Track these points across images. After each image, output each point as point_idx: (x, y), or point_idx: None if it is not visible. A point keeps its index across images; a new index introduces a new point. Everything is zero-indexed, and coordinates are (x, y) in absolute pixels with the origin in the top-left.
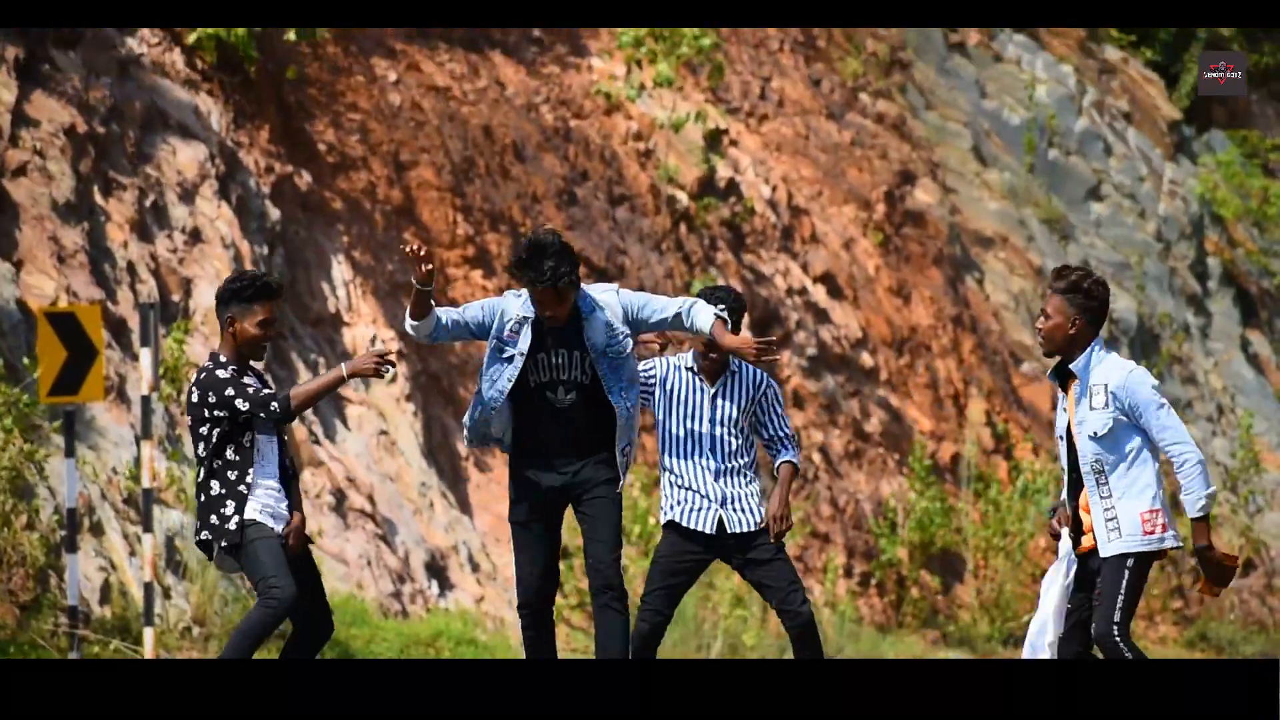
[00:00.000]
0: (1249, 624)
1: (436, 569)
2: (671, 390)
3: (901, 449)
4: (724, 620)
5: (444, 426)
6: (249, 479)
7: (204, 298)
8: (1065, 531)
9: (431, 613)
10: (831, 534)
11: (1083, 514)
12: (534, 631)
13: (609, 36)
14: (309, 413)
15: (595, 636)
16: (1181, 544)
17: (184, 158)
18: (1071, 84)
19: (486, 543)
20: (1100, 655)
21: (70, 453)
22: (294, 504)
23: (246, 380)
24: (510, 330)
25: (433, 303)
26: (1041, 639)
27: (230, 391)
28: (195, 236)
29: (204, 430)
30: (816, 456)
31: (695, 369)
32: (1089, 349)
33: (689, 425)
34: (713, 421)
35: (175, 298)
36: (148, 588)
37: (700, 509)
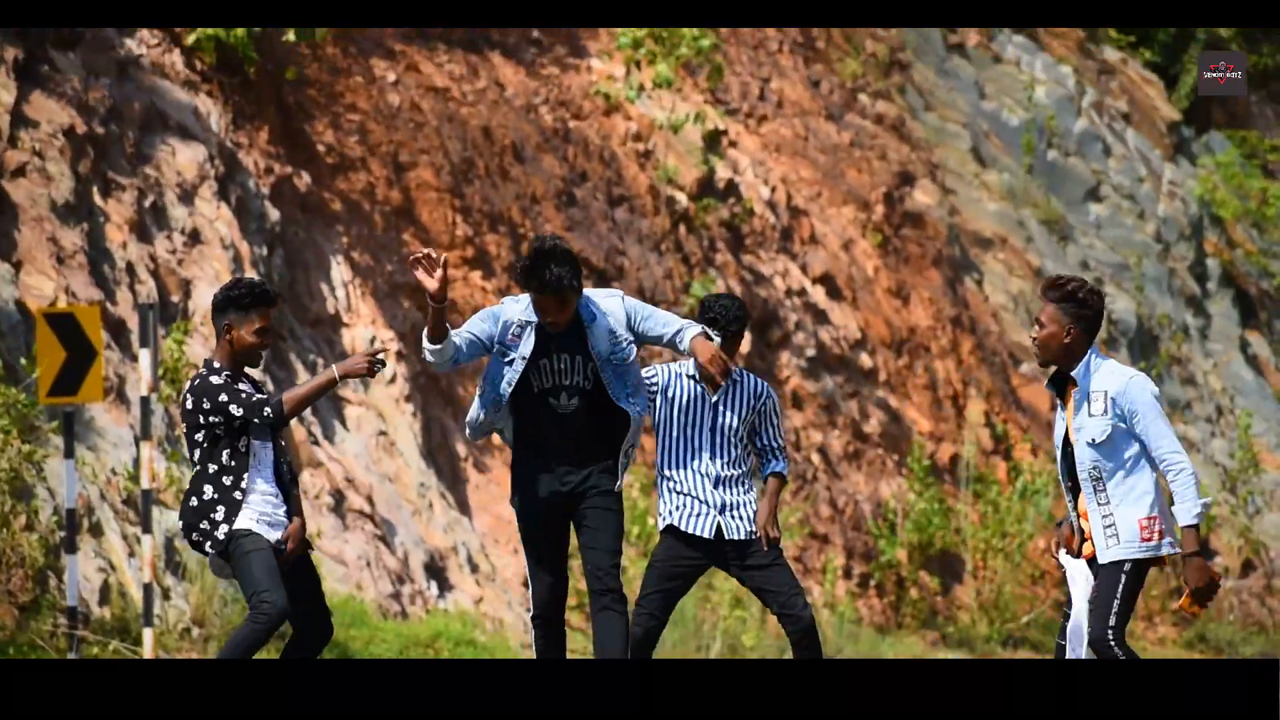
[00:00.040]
0: (1248, 625)
1: (436, 570)
2: (673, 398)
3: (900, 450)
4: (723, 621)
5: (443, 427)
6: (244, 485)
7: (203, 298)
8: (1063, 554)
9: (431, 614)
10: (831, 535)
11: (1082, 521)
12: (544, 638)
13: (608, 37)
14: (308, 413)
15: (594, 637)
16: (1179, 550)
17: (183, 158)
18: (1070, 85)
19: (485, 544)
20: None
21: (69, 453)
22: (292, 509)
23: (240, 386)
24: (512, 334)
25: (448, 324)
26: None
27: (224, 398)
28: (194, 237)
29: (199, 437)
30: (815, 457)
31: (697, 377)
32: (1086, 357)
33: (689, 433)
34: (713, 430)
35: (174, 298)
36: (147, 589)
37: (699, 514)
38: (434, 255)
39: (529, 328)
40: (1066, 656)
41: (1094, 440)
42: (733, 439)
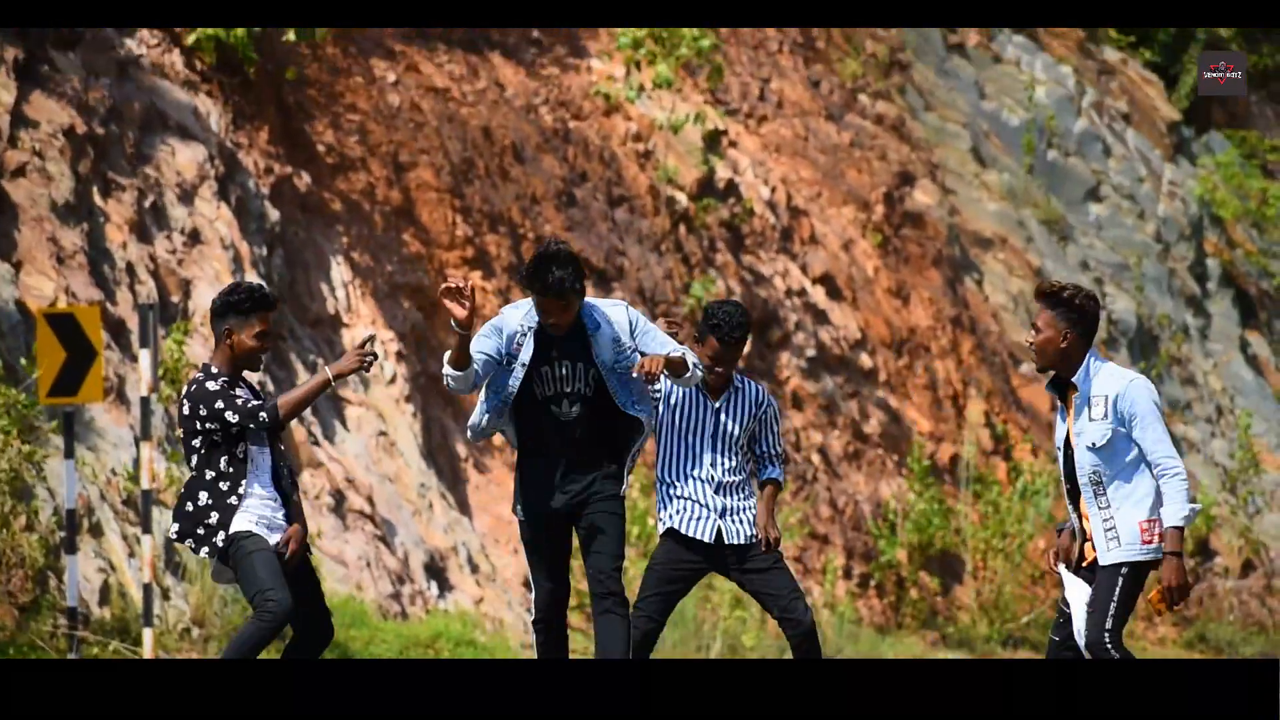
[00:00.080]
0: (1248, 625)
1: (436, 570)
2: (676, 405)
3: (900, 450)
4: (723, 621)
5: (443, 428)
6: (241, 490)
7: (203, 299)
8: (1062, 568)
9: (431, 614)
10: (830, 535)
11: (1085, 523)
12: (546, 643)
13: (608, 38)
14: (308, 414)
15: (596, 640)
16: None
17: (183, 159)
18: (1070, 85)
19: (486, 544)
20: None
21: (69, 454)
22: (291, 513)
23: (236, 392)
24: (516, 343)
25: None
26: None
27: (220, 404)
28: (194, 237)
29: (196, 443)
30: (815, 458)
31: (700, 387)
32: (1085, 361)
33: (690, 440)
34: (714, 437)
35: (174, 299)
36: (147, 589)
37: (699, 518)
38: (463, 284)
39: (529, 334)
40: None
41: (1094, 444)
42: (733, 446)
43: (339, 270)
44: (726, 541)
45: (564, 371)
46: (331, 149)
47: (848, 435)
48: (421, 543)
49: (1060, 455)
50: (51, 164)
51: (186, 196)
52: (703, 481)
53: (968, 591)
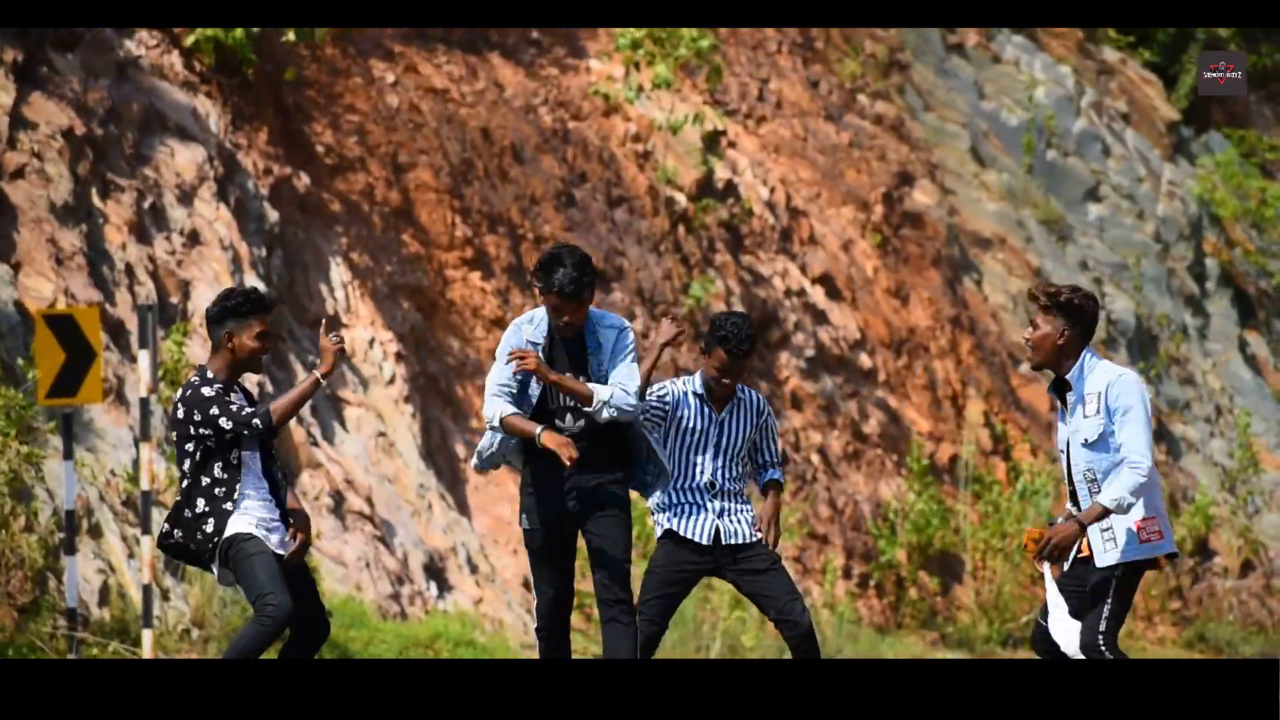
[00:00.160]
0: (1248, 625)
1: (435, 571)
2: (681, 417)
3: (900, 450)
4: (723, 622)
5: (442, 428)
6: (235, 496)
7: (202, 300)
8: (1046, 566)
9: (430, 614)
10: (830, 535)
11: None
12: (550, 651)
13: (607, 38)
14: (307, 415)
15: (604, 648)
16: (1178, 551)
17: (182, 160)
18: (1070, 85)
19: (485, 544)
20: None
21: (68, 455)
22: (286, 515)
23: (231, 398)
24: (513, 355)
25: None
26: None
27: (214, 411)
28: (194, 238)
29: (189, 447)
30: (815, 458)
31: (704, 395)
32: (1080, 359)
33: (692, 452)
34: (717, 448)
35: (174, 300)
36: (146, 590)
37: (697, 519)
38: (569, 452)
39: (536, 349)
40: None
41: (1087, 440)
42: (735, 455)
43: (338, 271)
44: (724, 542)
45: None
46: (330, 150)
47: (847, 435)
48: (421, 543)
49: (1062, 457)
50: (50, 165)
51: (185, 197)
52: (703, 490)
53: (967, 591)
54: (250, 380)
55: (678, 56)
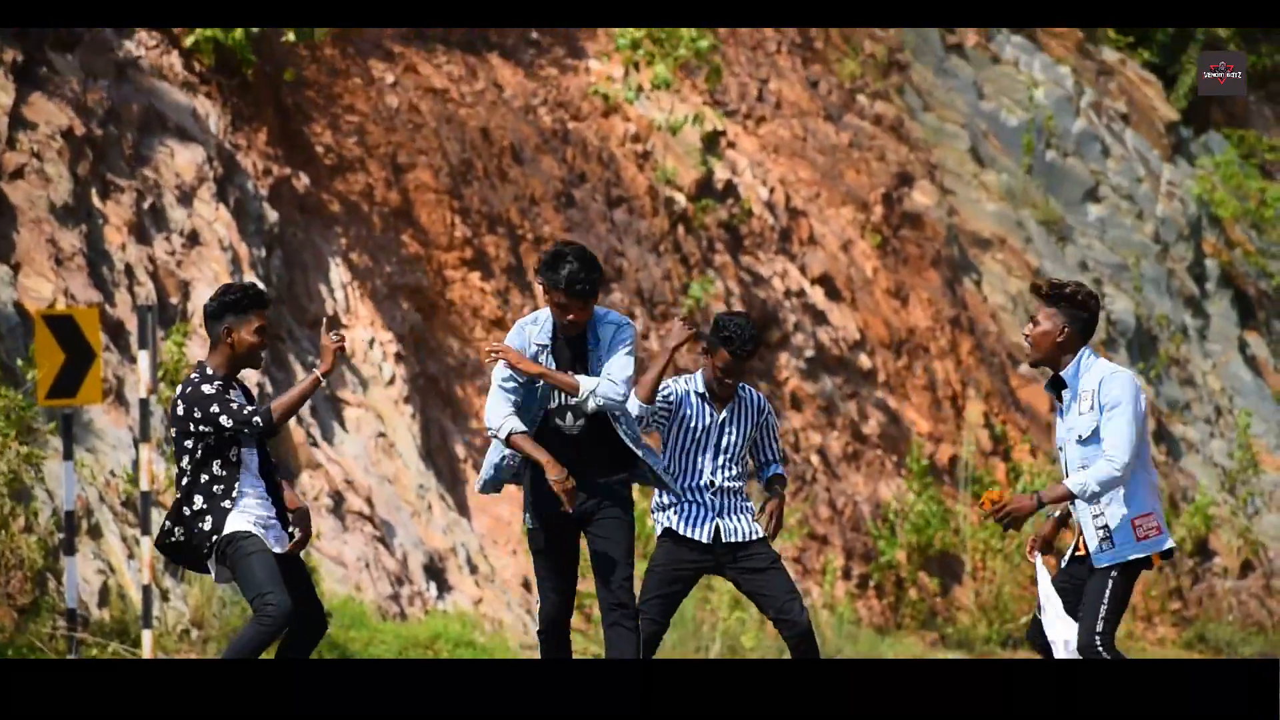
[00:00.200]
0: (1248, 625)
1: (435, 571)
2: (683, 416)
3: (899, 451)
4: (723, 622)
5: (442, 429)
6: (234, 494)
7: (202, 300)
8: (1039, 558)
9: (430, 615)
10: (830, 536)
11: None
12: (551, 653)
13: (606, 38)
14: (307, 415)
15: (606, 652)
16: (1176, 546)
17: (182, 160)
18: (1069, 85)
19: (485, 545)
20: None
21: (68, 455)
22: (283, 513)
23: (231, 396)
24: (537, 361)
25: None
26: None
27: (215, 408)
28: (193, 239)
29: (188, 444)
30: (815, 458)
31: (706, 394)
32: (1078, 357)
33: (693, 452)
34: (717, 448)
35: (173, 300)
36: (146, 590)
37: (697, 518)
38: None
39: (544, 351)
40: (1054, 655)
41: (1082, 437)
42: (737, 455)
43: (337, 271)
44: (724, 540)
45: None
46: (330, 150)
47: (847, 436)
48: (420, 544)
49: (1062, 458)
50: (50, 166)
51: (185, 198)
52: (702, 489)
53: (967, 592)
54: (250, 381)
55: (677, 57)
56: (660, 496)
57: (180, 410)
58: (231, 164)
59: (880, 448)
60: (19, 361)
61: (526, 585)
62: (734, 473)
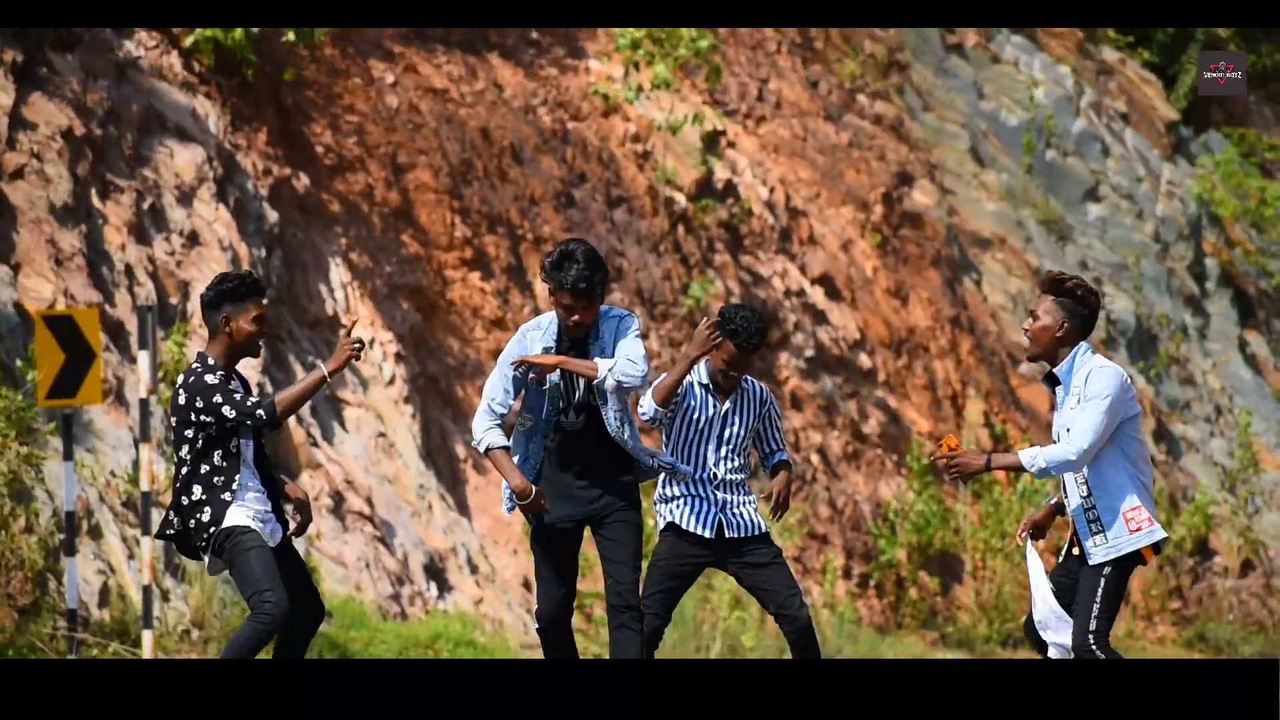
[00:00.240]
0: (1248, 624)
1: (435, 571)
2: (688, 408)
3: (899, 450)
4: (723, 622)
5: (442, 429)
6: (234, 486)
7: (203, 320)
8: (1029, 543)
9: (430, 614)
10: (830, 535)
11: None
12: (553, 647)
13: (606, 38)
14: (307, 415)
15: (611, 653)
16: (1168, 535)
17: (181, 160)
18: (1069, 85)
19: (485, 545)
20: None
21: (68, 456)
22: (278, 505)
23: (234, 386)
24: (516, 362)
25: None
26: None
27: (218, 399)
28: (193, 239)
29: (189, 434)
30: (815, 458)
31: (710, 386)
32: (1073, 352)
33: (696, 443)
34: (720, 439)
35: (173, 300)
36: (146, 590)
37: (700, 512)
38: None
39: (550, 352)
40: (1047, 642)
41: (1070, 431)
42: (739, 447)
43: (337, 271)
44: (727, 535)
45: (571, 384)
46: (330, 150)
47: (847, 435)
48: (421, 544)
49: None
50: (50, 166)
51: (185, 198)
52: (705, 482)
53: (967, 591)
54: (250, 380)
55: (677, 57)
56: (663, 489)
57: (182, 399)
58: (231, 164)
59: (880, 447)
60: (19, 362)
61: (527, 585)
62: (736, 464)
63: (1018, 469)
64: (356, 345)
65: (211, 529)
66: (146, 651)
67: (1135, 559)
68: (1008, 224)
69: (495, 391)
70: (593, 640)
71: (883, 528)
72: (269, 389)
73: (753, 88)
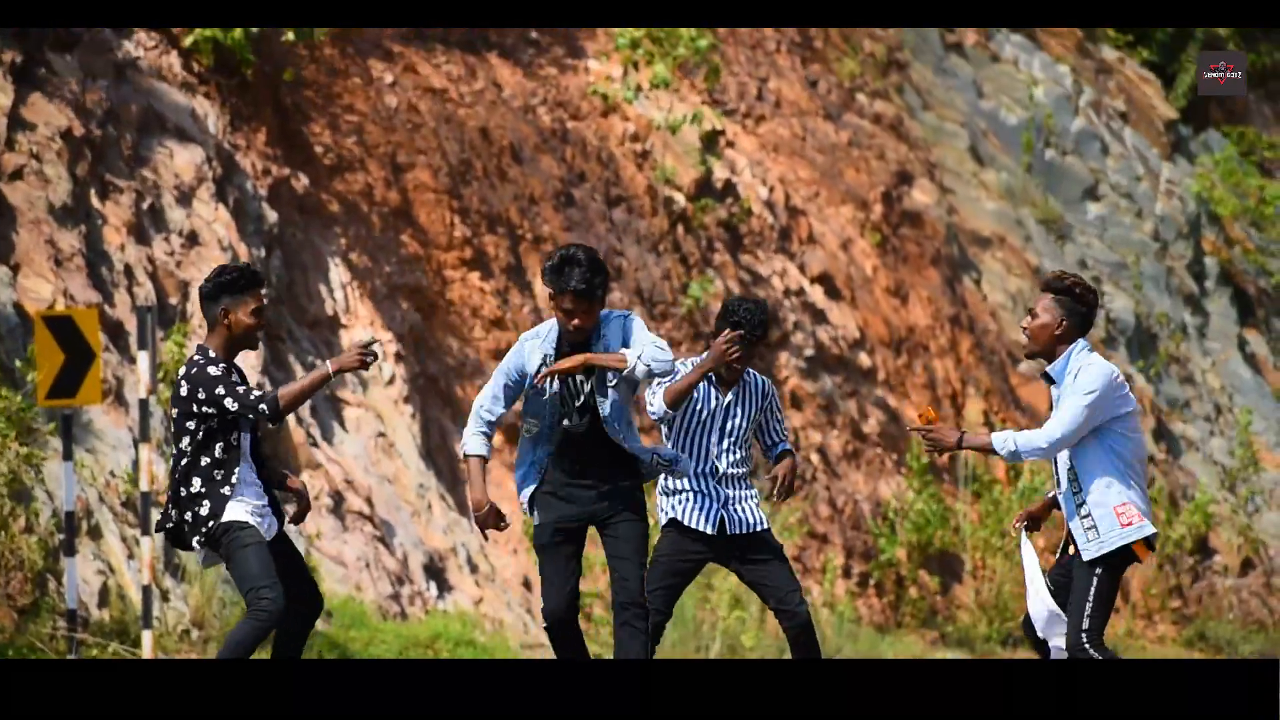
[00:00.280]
0: (1248, 623)
1: (435, 571)
2: (690, 400)
3: (899, 449)
4: (723, 621)
5: (442, 428)
6: (233, 479)
7: (201, 312)
8: (1024, 536)
9: (430, 614)
10: (830, 534)
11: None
12: (563, 647)
13: (605, 38)
14: (307, 415)
15: (615, 651)
16: (1157, 531)
17: (181, 160)
18: (1068, 84)
19: (485, 544)
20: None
21: (68, 456)
22: (274, 499)
23: (235, 379)
24: (539, 375)
25: (490, 454)
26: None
27: (220, 390)
28: (192, 239)
29: (190, 425)
30: (815, 457)
31: (713, 377)
32: (1069, 350)
33: (698, 434)
34: (723, 432)
35: (173, 300)
36: (146, 590)
37: (702, 508)
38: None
39: (547, 362)
40: (1039, 637)
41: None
42: (741, 438)
43: (337, 271)
44: (729, 532)
45: (574, 386)
46: (329, 150)
47: (846, 434)
48: (420, 543)
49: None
50: (49, 166)
51: (184, 198)
52: (708, 475)
53: (967, 591)
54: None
55: (676, 56)
56: (666, 482)
57: (184, 391)
58: (231, 164)
59: (880, 446)
60: (19, 362)
61: (527, 585)
62: (739, 456)
63: (989, 450)
64: (368, 356)
65: (210, 523)
66: (146, 651)
67: (1128, 557)
68: (1007, 223)
69: (485, 398)
70: (593, 640)
71: (882, 527)
72: (268, 388)
73: (752, 87)
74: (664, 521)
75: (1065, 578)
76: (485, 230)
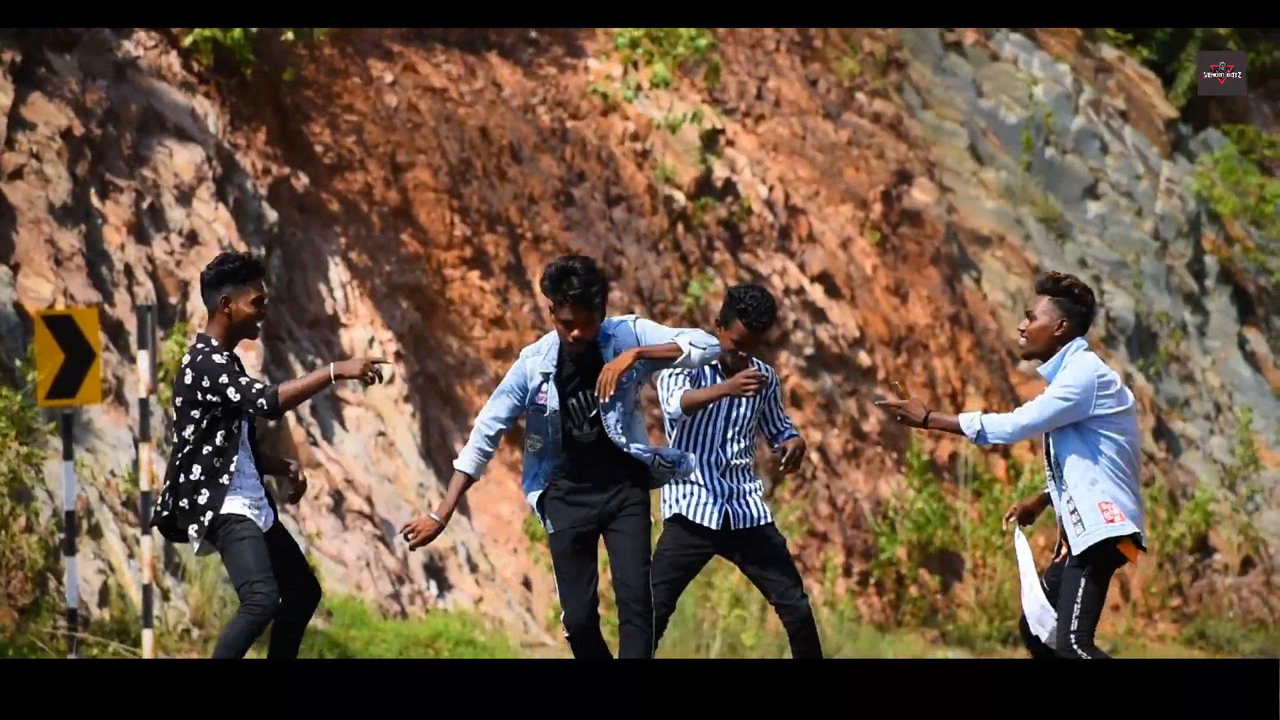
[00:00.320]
0: (1248, 622)
1: (435, 570)
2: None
3: (899, 448)
4: (723, 620)
5: (442, 428)
6: (232, 468)
7: (201, 300)
8: (1019, 531)
9: (430, 614)
10: (830, 533)
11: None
12: (585, 653)
13: (605, 37)
14: (307, 414)
15: (619, 651)
16: (1139, 531)
17: (181, 160)
18: (1068, 83)
19: (485, 543)
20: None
21: (68, 455)
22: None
23: (238, 368)
24: (540, 391)
25: (479, 474)
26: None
27: (224, 379)
28: (192, 239)
29: (195, 414)
30: (815, 456)
31: (717, 367)
32: (1063, 351)
33: (704, 425)
34: (727, 421)
35: (173, 300)
36: (146, 590)
37: (706, 503)
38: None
39: (549, 379)
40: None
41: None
42: (745, 429)
43: (337, 271)
44: (733, 527)
45: (580, 399)
46: (329, 150)
47: (847, 433)
48: None
49: (1046, 443)
50: (49, 166)
51: (184, 198)
52: (712, 466)
53: (967, 589)
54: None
55: (676, 55)
56: None
57: (189, 379)
58: (230, 164)
59: (880, 445)
60: (19, 362)
61: (527, 584)
62: (742, 446)
63: (955, 430)
64: (372, 371)
65: (209, 513)
66: (146, 651)
67: (1117, 558)
68: (1007, 222)
69: (487, 416)
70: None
71: (883, 525)
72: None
73: (751, 86)
74: (668, 515)
75: (1058, 578)
76: (485, 229)
